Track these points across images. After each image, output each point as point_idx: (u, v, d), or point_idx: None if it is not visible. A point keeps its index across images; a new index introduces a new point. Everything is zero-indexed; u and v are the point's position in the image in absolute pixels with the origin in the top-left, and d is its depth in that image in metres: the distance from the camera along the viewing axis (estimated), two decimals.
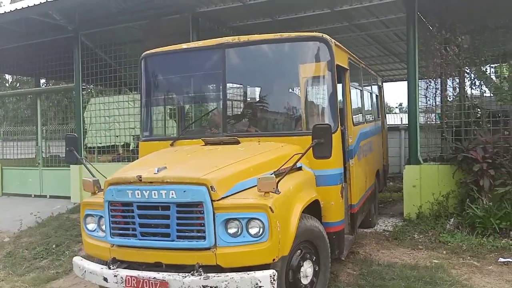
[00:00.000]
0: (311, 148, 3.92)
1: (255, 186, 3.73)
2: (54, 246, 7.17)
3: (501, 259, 5.61)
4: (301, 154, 3.98)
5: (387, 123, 18.56)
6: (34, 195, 11.60)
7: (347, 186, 5.42)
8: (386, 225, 7.81)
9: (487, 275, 5.14)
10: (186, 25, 9.14)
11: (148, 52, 5.55)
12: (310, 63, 5.13)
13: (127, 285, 3.73)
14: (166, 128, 6.22)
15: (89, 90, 12.19)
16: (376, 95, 9.06)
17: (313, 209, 4.39)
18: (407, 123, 8.49)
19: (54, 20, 9.74)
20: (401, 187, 8.80)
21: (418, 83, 8.11)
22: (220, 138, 4.88)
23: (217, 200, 3.64)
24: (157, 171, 3.79)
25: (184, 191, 3.63)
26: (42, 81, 14.89)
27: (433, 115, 8.88)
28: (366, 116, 7.28)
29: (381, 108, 9.78)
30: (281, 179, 3.75)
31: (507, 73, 8.92)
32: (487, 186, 6.74)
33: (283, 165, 3.96)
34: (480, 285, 4.83)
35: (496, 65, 8.87)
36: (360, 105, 6.87)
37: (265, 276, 3.46)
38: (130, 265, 3.96)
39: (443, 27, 8.02)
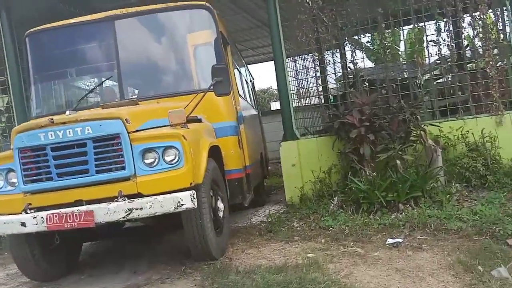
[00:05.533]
0: (212, 86, 4.63)
1: (165, 125, 4.18)
2: None
3: (390, 240, 4.54)
4: (206, 90, 4.64)
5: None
6: None
7: (241, 144, 5.70)
8: (265, 215, 6.55)
9: (373, 264, 4.00)
10: None
11: (32, 29, 5.50)
12: (197, 30, 5.65)
13: (48, 223, 3.79)
14: (59, 104, 5.94)
15: None
16: (250, 84, 8.97)
17: (215, 158, 4.68)
18: None
19: None
20: None
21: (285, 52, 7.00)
22: (119, 102, 4.86)
23: (133, 132, 3.95)
24: (69, 113, 4.01)
25: (100, 125, 3.87)
26: None
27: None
28: (245, 94, 7.52)
29: (255, 100, 9.99)
30: (189, 114, 4.33)
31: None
32: (368, 154, 5.74)
33: (186, 106, 4.43)
34: (363, 281, 3.64)
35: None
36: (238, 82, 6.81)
37: (186, 195, 3.79)
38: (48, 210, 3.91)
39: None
